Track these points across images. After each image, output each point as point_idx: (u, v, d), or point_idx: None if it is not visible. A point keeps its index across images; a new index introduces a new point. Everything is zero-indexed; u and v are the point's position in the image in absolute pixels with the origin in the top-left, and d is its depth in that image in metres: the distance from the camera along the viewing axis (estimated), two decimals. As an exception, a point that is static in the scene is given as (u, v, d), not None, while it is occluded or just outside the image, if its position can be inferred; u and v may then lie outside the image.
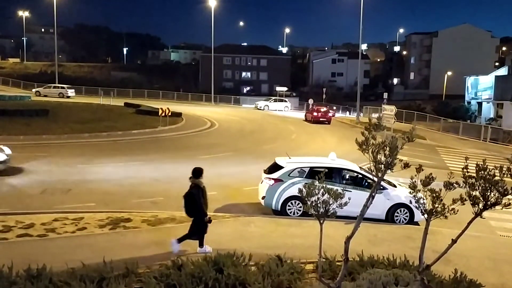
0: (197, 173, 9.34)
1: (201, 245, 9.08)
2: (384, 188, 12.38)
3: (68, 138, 24.87)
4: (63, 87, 55.45)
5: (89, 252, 8.58)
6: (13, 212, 11.45)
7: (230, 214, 12.20)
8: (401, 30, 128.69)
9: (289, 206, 12.46)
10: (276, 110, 54.66)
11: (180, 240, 8.94)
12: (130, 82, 73.79)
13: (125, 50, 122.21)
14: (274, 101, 57.47)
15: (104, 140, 25.39)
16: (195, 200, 8.94)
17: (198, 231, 9.07)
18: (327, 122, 40.56)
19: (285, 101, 58.70)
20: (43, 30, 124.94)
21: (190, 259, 7.55)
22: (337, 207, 6.11)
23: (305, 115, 44.18)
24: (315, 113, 40.79)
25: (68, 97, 53.13)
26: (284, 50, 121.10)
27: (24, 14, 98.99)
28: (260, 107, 55.90)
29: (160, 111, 31.36)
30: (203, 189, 9.14)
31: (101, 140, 25.30)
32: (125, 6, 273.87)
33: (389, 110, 32.83)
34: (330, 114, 41.50)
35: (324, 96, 57.49)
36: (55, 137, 24.80)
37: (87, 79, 76.54)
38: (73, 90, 55.86)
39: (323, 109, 42.43)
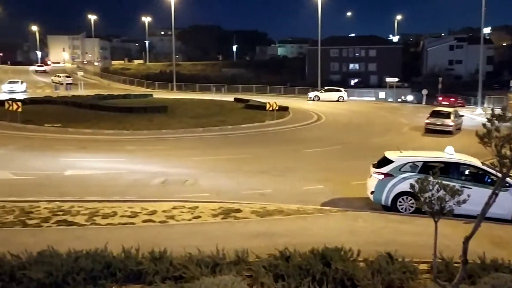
0: None
1: None
2: (510, 186, 11.22)
3: (184, 133, 26.66)
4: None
5: (203, 239, 9.14)
6: (139, 199, 12.65)
7: (337, 208, 12.07)
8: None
9: (400, 202, 11.94)
10: (327, 100, 50.76)
11: None
12: (239, 78, 76.44)
13: (234, 47, 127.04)
14: (325, 91, 53.47)
15: (216, 134, 26.73)
16: None
17: None
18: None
19: (340, 90, 53.93)
20: (162, 33, 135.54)
21: (298, 251, 7.64)
22: (454, 204, 5.71)
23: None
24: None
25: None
26: (395, 38, 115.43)
27: (146, 19, 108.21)
28: (310, 97, 52.88)
29: (268, 106, 32.05)
30: None
31: (213, 134, 26.67)
32: (235, 5, 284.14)
33: (517, 99, 29.60)
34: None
35: (439, 86, 53.59)
36: (173, 131, 26.77)
37: (200, 77, 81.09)
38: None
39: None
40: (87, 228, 10.09)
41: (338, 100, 51.86)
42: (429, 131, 28.40)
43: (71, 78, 65.50)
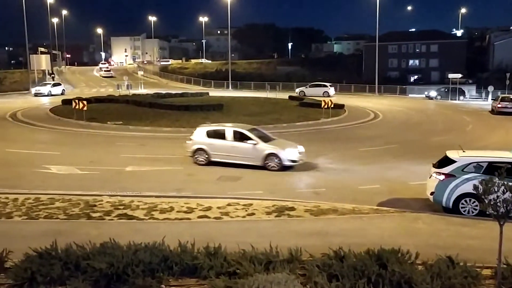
0: None
1: None
2: None
3: (239, 130, 26.90)
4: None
5: (257, 236, 9.21)
6: (195, 195, 12.96)
7: (394, 209, 11.72)
8: None
9: (462, 204, 11.40)
10: (313, 95, 49.59)
11: None
12: (294, 76, 76.06)
13: (289, 45, 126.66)
14: (310, 87, 53.90)
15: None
16: None
17: None
18: None
19: (325, 86, 53.93)
20: (218, 32, 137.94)
21: (353, 251, 7.50)
22: (522, 207, 5.36)
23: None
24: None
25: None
26: (459, 33, 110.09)
27: (203, 19, 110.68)
28: (296, 92, 52.63)
29: (323, 103, 31.67)
30: None
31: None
32: (291, 2, 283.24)
33: None
34: None
35: (507, 82, 50.40)
36: (228, 129, 27.08)
37: (255, 75, 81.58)
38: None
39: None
40: (145, 222, 10.49)
41: (323, 95, 50.33)
42: (501, 113, 35.38)
43: (110, 71, 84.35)
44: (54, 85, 52.67)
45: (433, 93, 53.97)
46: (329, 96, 50.62)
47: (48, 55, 68.21)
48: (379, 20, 60.72)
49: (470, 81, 68.44)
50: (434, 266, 7.13)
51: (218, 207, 11.57)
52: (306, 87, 54.30)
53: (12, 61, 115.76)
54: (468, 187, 10.76)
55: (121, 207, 11.56)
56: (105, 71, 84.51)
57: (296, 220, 10.67)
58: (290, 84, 65.16)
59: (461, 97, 52.51)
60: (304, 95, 50.41)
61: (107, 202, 12.01)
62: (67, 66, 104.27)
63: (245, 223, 10.49)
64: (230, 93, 57.21)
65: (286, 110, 36.37)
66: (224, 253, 7.46)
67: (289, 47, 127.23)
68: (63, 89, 52.92)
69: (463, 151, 12.21)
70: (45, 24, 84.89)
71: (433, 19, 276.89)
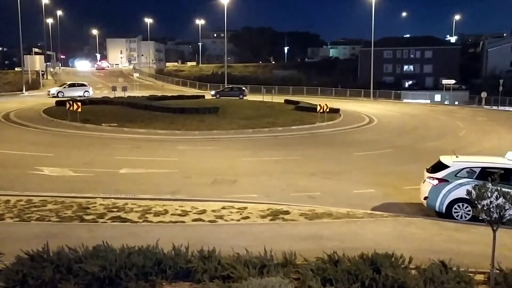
0: None
1: None
2: None
3: (235, 134, 26.96)
4: None
5: (251, 239, 9.19)
6: (190, 198, 12.93)
7: (388, 213, 11.76)
8: None
9: (455, 209, 11.46)
10: (72, 96, 45.84)
11: None
12: (290, 80, 76.23)
13: (286, 49, 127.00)
14: (69, 87, 51.02)
15: (266, 136, 26.80)
16: None
17: None
18: None
19: (85, 85, 52.17)
20: (215, 35, 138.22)
21: (347, 255, 7.50)
22: (515, 213, 5.40)
23: None
24: None
25: None
26: (453, 39, 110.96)
27: (200, 22, 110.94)
28: (53, 93, 48.38)
29: (319, 107, 31.76)
30: None
31: (263, 136, 26.76)
32: (287, 7, 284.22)
33: None
34: None
35: (500, 89, 50.78)
36: (224, 132, 27.14)
37: (251, 78, 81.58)
38: None
39: None
40: (139, 225, 10.44)
41: (84, 95, 48.50)
42: None
43: (102, 65, 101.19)
44: None
45: (213, 92, 55.28)
46: (88, 96, 48.62)
47: (42, 56, 67.90)
48: (374, 26, 61.01)
49: (464, 87, 68.94)
50: (427, 271, 7.15)
51: (213, 210, 11.54)
52: (64, 87, 51.20)
53: (6, 62, 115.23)
54: (461, 192, 10.83)
55: (115, 209, 11.50)
56: (97, 64, 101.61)
57: (290, 224, 10.67)
58: (286, 88, 65.29)
59: (241, 96, 52.57)
60: (63, 96, 47.09)
61: (100, 204, 11.94)
62: (61, 67, 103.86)
63: (240, 226, 10.47)
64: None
65: (282, 113, 36.38)
66: (218, 257, 7.43)
67: (285, 51, 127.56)
68: None
69: (456, 156, 12.29)
70: (40, 25, 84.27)
71: (428, 25, 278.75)
